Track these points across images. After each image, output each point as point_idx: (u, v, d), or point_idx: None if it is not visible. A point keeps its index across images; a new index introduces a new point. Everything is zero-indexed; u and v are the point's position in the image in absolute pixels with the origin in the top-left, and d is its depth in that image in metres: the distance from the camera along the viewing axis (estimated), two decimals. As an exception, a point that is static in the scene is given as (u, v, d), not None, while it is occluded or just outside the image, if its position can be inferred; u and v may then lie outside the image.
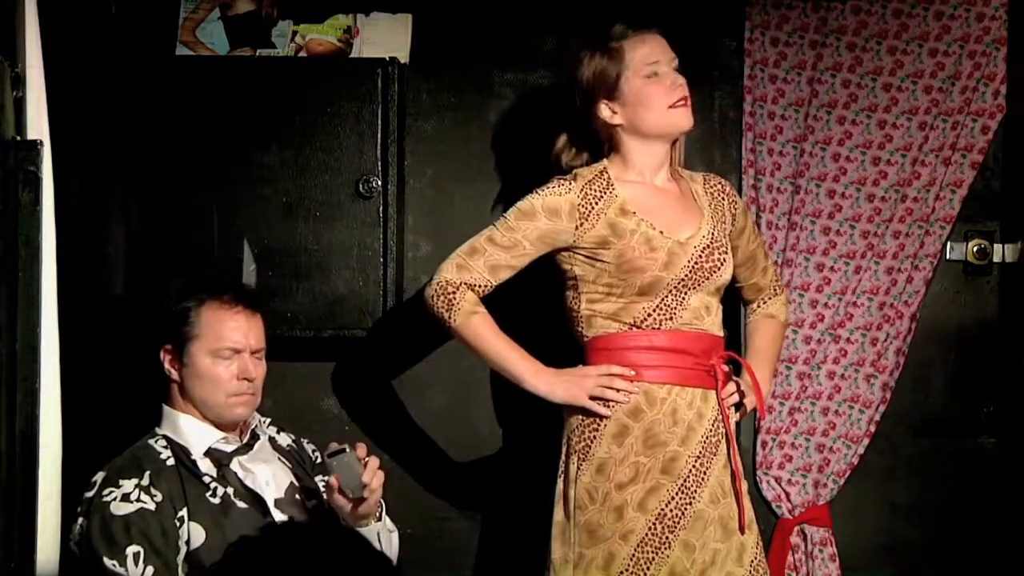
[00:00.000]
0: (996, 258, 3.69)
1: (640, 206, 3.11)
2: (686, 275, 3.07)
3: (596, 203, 3.10)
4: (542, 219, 3.11)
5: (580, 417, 3.11)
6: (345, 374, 3.70)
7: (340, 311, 3.45)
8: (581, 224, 3.10)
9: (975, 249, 3.68)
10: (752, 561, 3.08)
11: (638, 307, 3.08)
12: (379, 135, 3.44)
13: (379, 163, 3.44)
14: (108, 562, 2.73)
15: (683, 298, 3.08)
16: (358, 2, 3.62)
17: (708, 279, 3.09)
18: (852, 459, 3.63)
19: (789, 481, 3.62)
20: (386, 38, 3.62)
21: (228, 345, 2.95)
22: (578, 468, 3.09)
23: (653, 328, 3.08)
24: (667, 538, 3.03)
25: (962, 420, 3.71)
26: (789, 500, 3.62)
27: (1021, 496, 3.58)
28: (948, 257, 3.67)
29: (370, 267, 3.45)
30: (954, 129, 3.61)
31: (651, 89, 3.11)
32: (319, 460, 3.14)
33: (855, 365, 3.62)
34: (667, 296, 3.07)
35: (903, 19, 3.62)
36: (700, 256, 3.09)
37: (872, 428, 3.64)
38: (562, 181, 3.16)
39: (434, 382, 3.72)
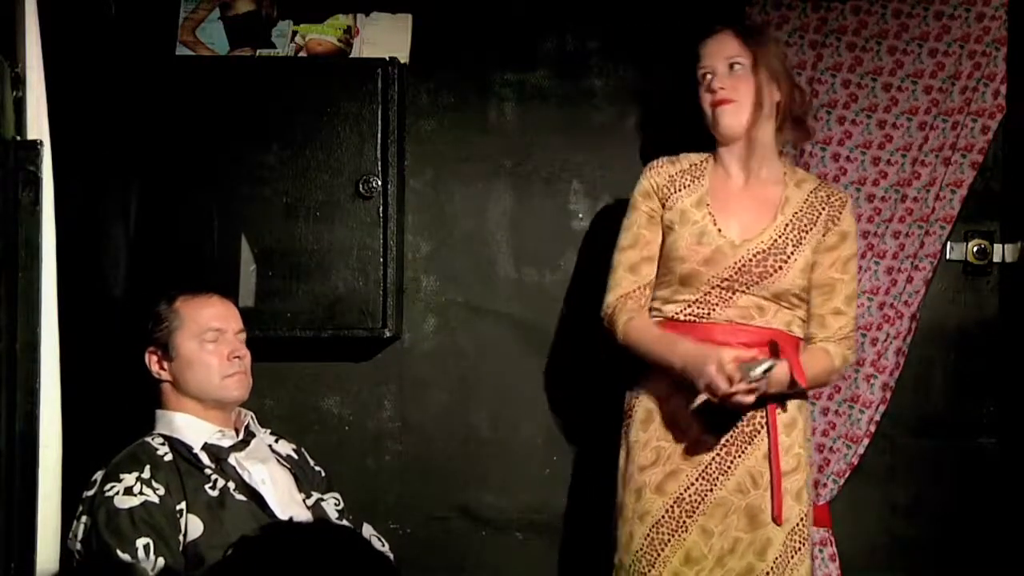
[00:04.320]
0: (996, 258, 3.69)
1: (718, 200, 3.14)
2: (731, 275, 3.07)
3: (681, 189, 3.16)
4: (641, 205, 3.19)
5: (624, 406, 3.20)
6: (345, 374, 3.71)
7: (340, 311, 3.45)
8: (663, 204, 3.16)
9: (975, 249, 3.68)
10: (776, 558, 3.05)
11: (680, 297, 3.11)
12: (379, 135, 3.45)
13: (379, 163, 3.44)
14: (121, 555, 2.74)
15: (730, 296, 3.07)
16: (358, 2, 3.62)
17: (758, 283, 3.07)
18: (852, 459, 3.63)
19: (789, 481, 3.62)
20: (386, 38, 3.62)
21: (211, 327, 3.00)
22: (619, 453, 3.20)
23: (688, 321, 3.10)
24: (684, 522, 3.07)
25: (962, 420, 3.71)
26: (789, 500, 3.62)
27: (1021, 496, 3.58)
28: (948, 257, 3.67)
29: (370, 267, 3.45)
30: (954, 129, 3.61)
31: (701, 93, 3.16)
32: (324, 475, 3.18)
33: (855, 365, 3.61)
34: (710, 292, 3.08)
35: (903, 19, 3.62)
36: (751, 260, 3.07)
37: (872, 428, 3.63)
38: (654, 164, 3.21)
39: (434, 382, 3.72)
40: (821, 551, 3.59)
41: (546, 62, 3.70)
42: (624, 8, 3.68)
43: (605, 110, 3.69)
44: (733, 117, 3.12)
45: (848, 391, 3.63)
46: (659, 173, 3.19)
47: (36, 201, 2.62)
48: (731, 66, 3.11)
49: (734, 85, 3.11)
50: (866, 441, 3.63)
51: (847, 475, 3.63)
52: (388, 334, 3.48)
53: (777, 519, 3.05)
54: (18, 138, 2.63)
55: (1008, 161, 3.67)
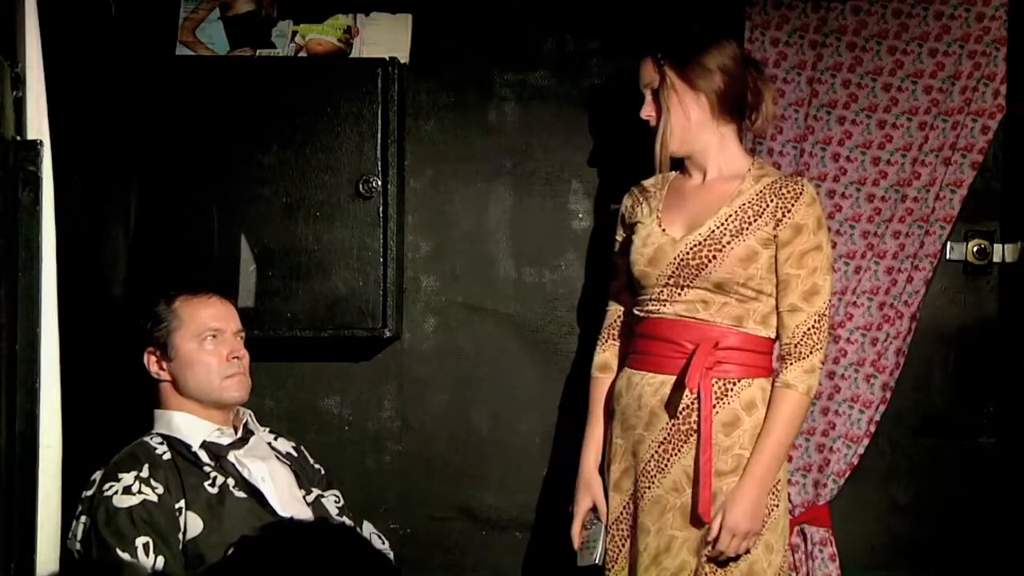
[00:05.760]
0: (996, 258, 3.69)
1: (671, 204, 3.19)
2: (673, 271, 3.09)
3: (641, 204, 3.24)
4: (616, 235, 3.32)
5: None
6: (345, 374, 3.71)
7: (340, 311, 3.45)
8: (629, 226, 3.25)
9: (975, 249, 3.68)
10: (702, 554, 3.04)
11: (640, 297, 3.17)
12: (379, 135, 3.45)
13: (379, 163, 3.44)
14: (121, 554, 2.74)
15: (679, 293, 3.10)
16: (358, 2, 3.62)
17: (697, 275, 3.07)
18: (852, 459, 3.62)
19: (789, 481, 3.61)
20: (386, 38, 3.62)
21: (210, 327, 3.01)
22: None
23: (643, 317, 3.15)
24: (634, 519, 3.11)
25: (962, 420, 3.71)
26: (789, 500, 3.61)
27: (1021, 496, 3.58)
28: (948, 257, 3.67)
29: (370, 267, 3.45)
30: (954, 129, 3.61)
31: None
32: (323, 472, 3.19)
33: (855, 365, 3.62)
34: (662, 291, 3.11)
35: (903, 19, 3.62)
36: (687, 254, 3.09)
37: (872, 428, 3.63)
38: (630, 190, 3.31)
39: (434, 382, 3.72)
40: (821, 551, 3.60)
41: (546, 62, 3.70)
42: (624, 8, 3.68)
43: (605, 110, 3.69)
44: (658, 140, 3.18)
45: (848, 391, 3.63)
46: (628, 198, 3.30)
47: (36, 201, 2.62)
48: (653, 92, 3.18)
49: (653, 109, 3.19)
50: (866, 441, 3.63)
51: (847, 475, 3.62)
52: (388, 334, 3.48)
53: (703, 518, 3.03)
54: (18, 138, 2.63)
55: (1008, 161, 3.67)
